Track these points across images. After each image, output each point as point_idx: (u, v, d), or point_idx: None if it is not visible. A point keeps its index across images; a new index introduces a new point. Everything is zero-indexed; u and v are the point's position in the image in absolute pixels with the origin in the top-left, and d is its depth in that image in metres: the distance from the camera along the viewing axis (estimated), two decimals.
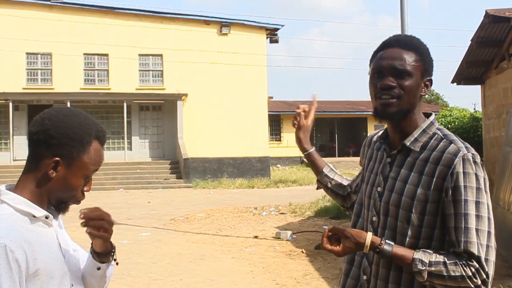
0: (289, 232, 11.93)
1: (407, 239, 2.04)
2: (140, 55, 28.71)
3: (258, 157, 29.09)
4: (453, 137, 2.10)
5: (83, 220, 1.84)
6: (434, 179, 2.01)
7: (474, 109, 39.35)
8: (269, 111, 30.61)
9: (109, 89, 28.41)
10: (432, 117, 2.19)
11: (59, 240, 1.88)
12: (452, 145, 2.04)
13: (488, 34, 12.16)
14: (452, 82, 14.51)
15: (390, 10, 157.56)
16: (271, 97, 38.03)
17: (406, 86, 2.08)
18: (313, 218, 14.47)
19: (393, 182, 2.12)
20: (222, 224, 14.01)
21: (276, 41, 31.02)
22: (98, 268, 1.99)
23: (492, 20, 11.33)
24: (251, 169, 28.93)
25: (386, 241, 2.01)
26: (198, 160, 27.91)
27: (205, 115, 28.53)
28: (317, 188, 2.75)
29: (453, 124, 14.92)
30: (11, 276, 1.65)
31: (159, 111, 29.70)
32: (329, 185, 2.62)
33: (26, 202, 1.79)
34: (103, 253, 1.96)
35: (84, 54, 28.24)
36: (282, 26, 30.33)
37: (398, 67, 2.08)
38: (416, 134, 2.12)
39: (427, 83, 2.14)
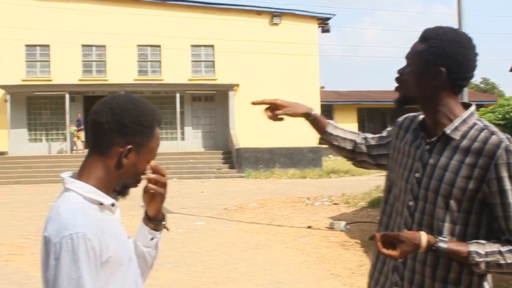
0: (343, 223, 11.86)
1: (445, 224, 2.11)
2: (192, 46, 28.95)
3: (310, 147, 28.99)
4: (494, 128, 2.15)
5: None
6: (476, 169, 2.07)
7: None
8: (320, 101, 30.43)
9: (162, 80, 28.75)
10: (472, 108, 2.24)
11: (121, 227, 1.92)
12: (494, 136, 2.09)
13: None
14: (511, 70, 14.16)
15: None
16: (323, 87, 37.82)
17: (406, 74, 2.23)
18: (367, 209, 14.35)
19: (432, 169, 2.17)
20: (275, 214, 14.03)
21: (328, 31, 30.81)
22: (152, 239, 2.06)
23: None
24: (303, 159, 28.87)
25: (440, 238, 2.05)
26: (250, 150, 28.00)
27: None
28: (319, 143, 2.80)
29: (511, 113, 14.50)
30: (89, 265, 1.67)
31: (211, 101, 29.89)
32: (334, 142, 2.68)
33: (94, 190, 1.81)
34: (157, 218, 2.05)
35: (138, 45, 28.64)
36: (334, 15, 30.30)
37: (405, 56, 2.25)
38: (456, 123, 2.17)
39: (438, 72, 2.16)
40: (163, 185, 1.98)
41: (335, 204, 15.54)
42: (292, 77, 28.79)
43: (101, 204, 1.82)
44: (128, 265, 1.86)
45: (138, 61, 28.99)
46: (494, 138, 2.07)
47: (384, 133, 2.62)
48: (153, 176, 1.93)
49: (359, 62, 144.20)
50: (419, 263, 2.16)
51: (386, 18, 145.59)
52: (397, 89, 2.29)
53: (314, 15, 29.93)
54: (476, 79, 68.67)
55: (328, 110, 39.33)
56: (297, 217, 13.39)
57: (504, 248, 2.01)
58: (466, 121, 2.17)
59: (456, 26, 11.87)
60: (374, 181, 20.32)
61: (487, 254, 2.00)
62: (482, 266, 2.00)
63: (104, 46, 28.50)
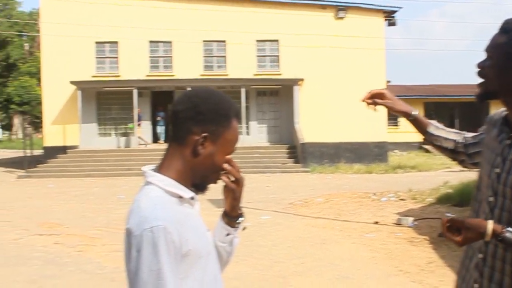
0: (411, 219, 11.69)
1: None
2: (257, 40, 29.04)
3: (375, 142, 28.68)
4: None
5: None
6: None
7: None
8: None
9: (227, 75, 28.97)
10: None
11: (200, 220, 1.94)
12: None
13: None
14: None
15: None
16: (389, 81, 37.28)
17: (487, 67, 2.15)
18: (435, 205, 14.08)
19: (511, 165, 2.11)
20: (341, 209, 13.95)
21: (394, 24, 30.32)
22: (227, 234, 2.08)
23: None
24: (368, 154, 28.58)
25: (508, 228, 2.00)
26: (315, 145, 27.91)
27: (322, 99, 28.46)
28: (423, 144, 2.78)
29: None
30: (169, 257, 1.70)
31: (276, 96, 29.92)
32: (436, 142, 2.63)
33: (174, 184, 1.84)
34: (232, 215, 2.06)
35: (203, 41, 28.95)
36: (400, 8, 29.68)
37: (485, 49, 2.16)
38: None
39: None
40: (238, 182, 1.98)
41: (402, 199, 15.32)
42: (358, 72, 28.50)
43: (180, 197, 1.84)
44: (207, 258, 1.88)
45: (204, 56, 29.30)
46: None
47: (479, 131, 2.55)
48: (228, 168, 1.93)
49: (426, 55, 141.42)
50: (499, 260, 2.10)
51: (455, 9, 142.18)
52: (479, 83, 2.22)
53: (380, 8, 29.51)
54: None
55: None
56: (364, 213, 13.28)
57: None
58: None
59: None
60: (442, 177, 19.96)
61: None
62: None
63: (170, 42, 28.93)
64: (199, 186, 1.93)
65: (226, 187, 2.00)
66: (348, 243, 9.95)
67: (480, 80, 2.20)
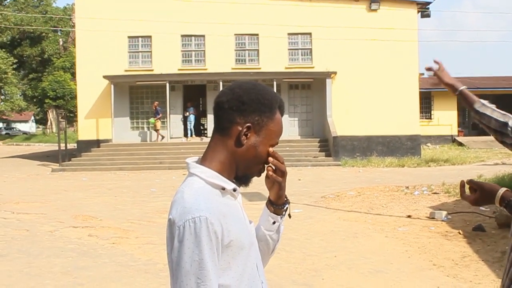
0: (444, 212, 11.57)
1: None
2: (289, 34, 28.96)
3: (408, 135, 28.42)
4: None
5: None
6: None
7: None
8: (419, 88, 29.70)
9: (259, 68, 28.96)
10: None
11: (243, 212, 1.95)
12: None
13: None
14: None
15: None
16: (422, 74, 36.84)
17: None
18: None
19: None
20: (373, 202, 13.87)
21: (428, 16, 29.95)
22: (274, 222, 2.08)
23: None
24: (401, 147, 28.34)
25: None
26: (346, 138, 27.78)
27: (354, 92, 28.28)
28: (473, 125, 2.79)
29: None
30: (211, 248, 1.71)
31: (308, 89, 29.82)
32: (482, 120, 2.64)
33: (216, 175, 1.85)
34: (278, 203, 2.06)
35: (235, 34, 28.97)
36: None
37: None
38: None
39: None
40: (282, 173, 1.97)
41: (435, 193, 15.16)
42: (390, 64, 28.26)
43: (223, 189, 1.85)
44: (250, 249, 1.89)
45: (236, 50, 29.33)
46: None
47: None
48: (271, 160, 1.93)
49: (459, 47, 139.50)
50: None
51: (489, 1, 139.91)
52: None
53: (414, 0, 29.19)
54: None
55: (427, 97, 38.40)
56: (396, 206, 13.18)
57: None
58: None
59: None
60: (476, 170, 19.71)
61: None
62: None
63: (203, 36, 29.02)
64: (242, 179, 1.94)
65: (268, 178, 1.99)
66: (380, 237, 9.89)
67: None
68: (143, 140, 29.50)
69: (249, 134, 1.86)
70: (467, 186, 2.26)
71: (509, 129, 2.55)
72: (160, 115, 28.45)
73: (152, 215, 12.55)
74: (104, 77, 27.93)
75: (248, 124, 1.85)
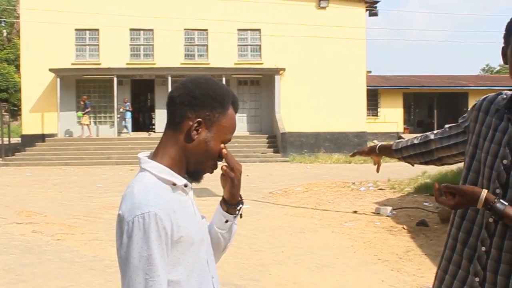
0: (389, 208, 11.80)
1: None
2: (239, 29, 29.01)
3: (355, 132, 28.85)
4: None
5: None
6: None
7: None
8: (367, 86, 30.16)
9: (208, 64, 28.91)
10: None
11: (194, 207, 1.95)
12: None
13: None
14: None
15: None
16: (369, 72, 37.42)
17: None
18: (413, 195, 14.22)
19: None
20: (321, 198, 14.03)
21: (376, 14, 30.48)
22: (226, 221, 2.08)
23: None
24: (348, 144, 28.74)
25: (501, 200, 1.99)
26: (295, 134, 28.01)
27: (303, 89, 28.51)
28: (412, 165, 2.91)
29: None
30: (160, 243, 1.71)
31: (257, 85, 29.93)
32: (409, 159, 2.75)
33: (167, 171, 1.85)
34: (231, 202, 2.05)
35: (185, 29, 28.84)
36: None
37: None
38: None
39: None
40: (234, 170, 1.98)
41: (380, 189, 15.46)
42: (339, 61, 28.60)
43: (174, 184, 1.85)
44: (200, 245, 1.89)
45: (185, 45, 29.21)
46: None
47: (461, 120, 2.48)
48: (224, 152, 1.93)
49: (406, 46, 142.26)
50: (506, 252, 2.07)
51: (435, 0, 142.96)
52: None
53: None
54: None
55: (374, 95, 38.97)
56: (343, 202, 13.37)
57: None
58: None
59: (511, 8, 11.46)
60: (420, 166, 19.99)
61: None
62: None
63: (151, 30, 28.78)
64: (193, 174, 1.93)
65: (223, 176, 2.00)
66: (327, 232, 10.02)
67: None
68: (93, 134, 29.03)
69: (200, 129, 1.86)
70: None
71: (432, 136, 2.60)
72: (89, 109, 27.94)
73: (98, 211, 12.39)
74: (50, 70, 27.40)
75: (199, 119, 1.85)
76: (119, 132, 28.72)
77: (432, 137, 2.60)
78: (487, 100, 2.33)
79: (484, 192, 2.00)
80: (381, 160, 3.04)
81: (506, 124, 2.17)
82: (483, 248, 2.13)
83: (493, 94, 2.33)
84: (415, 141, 2.68)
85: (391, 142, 2.81)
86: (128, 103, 28.71)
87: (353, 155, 3.16)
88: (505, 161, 2.11)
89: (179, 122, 1.87)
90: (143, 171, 1.87)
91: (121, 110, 28.76)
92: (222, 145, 1.93)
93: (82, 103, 27.97)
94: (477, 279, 2.16)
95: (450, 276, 2.27)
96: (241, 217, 2.12)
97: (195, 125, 1.85)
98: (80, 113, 28.07)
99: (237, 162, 1.99)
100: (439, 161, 2.64)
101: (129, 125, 29.01)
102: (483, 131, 2.25)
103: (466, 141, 2.40)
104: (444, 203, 2.07)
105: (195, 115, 1.86)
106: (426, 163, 2.70)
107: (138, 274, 1.70)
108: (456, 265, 2.25)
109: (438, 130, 2.60)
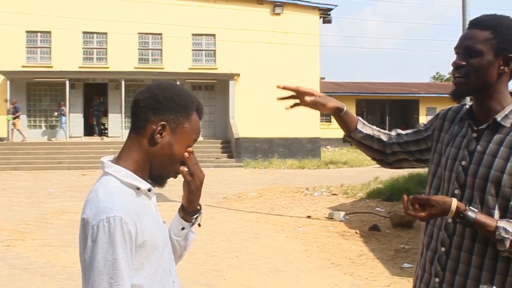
0: (342, 213, 11.94)
1: (495, 211, 2.08)
2: (193, 34, 28.93)
3: (309, 137, 29.07)
4: None
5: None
6: None
7: None
8: (320, 92, 30.37)
9: (163, 68, 28.75)
10: None
11: (157, 212, 1.95)
12: None
13: None
14: None
15: None
16: (323, 78, 37.82)
17: (474, 64, 2.15)
18: (365, 200, 14.42)
19: (481, 156, 2.15)
20: (274, 203, 14.10)
21: (329, 21, 30.80)
22: (182, 228, 2.08)
23: None
24: (301, 149, 28.94)
25: (471, 208, 2.05)
26: (249, 140, 28.06)
27: (257, 95, 28.60)
28: (343, 141, 2.68)
29: None
30: (125, 247, 1.71)
31: (211, 90, 29.90)
32: (363, 141, 2.57)
33: (131, 175, 1.85)
34: (188, 210, 2.05)
35: (139, 33, 28.62)
36: (336, 6, 30.13)
37: (467, 46, 2.16)
38: (507, 110, 2.16)
39: (508, 60, 2.15)
40: (194, 175, 1.99)
41: (333, 194, 15.62)
42: (293, 68, 28.79)
43: (138, 188, 1.85)
44: (163, 249, 1.90)
45: (139, 49, 28.98)
46: None
47: (421, 127, 2.54)
48: (186, 155, 1.94)
49: (358, 53, 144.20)
50: (465, 252, 2.13)
51: (387, 9, 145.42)
52: (459, 82, 2.21)
53: (316, 6, 29.91)
54: None
55: None
56: (296, 207, 13.46)
57: None
58: None
59: (459, 19, 11.76)
60: (372, 172, 20.38)
61: None
62: (507, 243, 1.98)
63: (105, 34, 28.45)
64: (157, 179, 1.93)
65: (184, 182, 2.00)
66: (281, 237, 10.07)
67: (461, 78, 2.19)
68: (44, 138, 28.52)
69: (164, 133, 1.87)
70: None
71: (390, 145, 2.57)
72: (19, 112, 27.30)
73: (49, 216, 12.17)
74: (0, 72, 26.81)
75: (163, 123, 1.86)
76: (71, 136, 28.23)
77: (392, 140, 2.57)
78: (452, 110, 2.43)
79: (455, 202, 2.05)
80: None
81: (466, 130, 2.26)
82: (443, 249, 2.19)
83: (458, 105, 2.43)
84: (375, 135, 2.58)
85: (357, 119, 2.57)
86: (63, 107, 27.97)
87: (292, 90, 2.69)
88: (463, 163, 2.19)
89: (142, 126, 1.88)
90: (107, 175, 1.86)
91: (56, 114, 28.16)
92: (189, 149, 1.94)
93: (11, 106, 27.19)
94: (437, 279, 2.21)
95: (420, 281, 2.32)
96: (199, 225, 2.12)
97: (159, 128, 1.86)
98: (10, 117, 27.20)
99: (199, 169, 2.00)
100: (389, 165, 2.62)
101: (64, 129, 28.26)
102: (447, 139, 2.34)
103: (427, 149, 2.47)
104: (415, 216, 2.09)
105: (159, 118, 1.86)
106: (377, 161, 2.65)
107: (103, 279, 1.70)
108: (422, 269, 2.31)
109: (398, 133, 2.59)
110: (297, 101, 2.67)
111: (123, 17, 27.70)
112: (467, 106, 2.35)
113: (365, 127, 2.58)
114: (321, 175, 21.81)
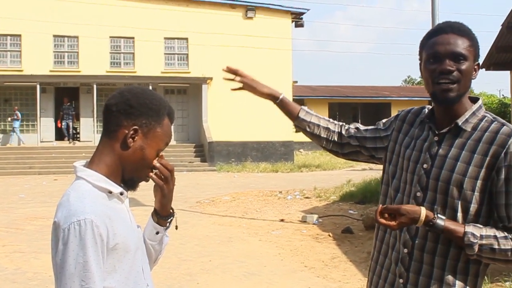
0: (315, 216, 12.00)
1: (458, 213, 2.13)
2: (166, 38, 28.81)
3: (282, 141, 29.13)
4: (503, 120, 2.21)
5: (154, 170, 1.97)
6: (487, 158, 2.11)
7: (503, 95, 38.79)
8: (293, 96, 30.56)
9: (135, 72, 28.58)
10: (480, 101, 2.28)
11: (130, 216, 1.96)
12: (505, 127, 2.15)
13: None
14: (481, 67, 14.37)
15: None
16: (296, 82, 37.96)
17: (464, 70, 2.17)
18: (338, 203, 14.50)
19: (443, 160, 2.20)
20: (248, 207, 14.11)
21: (302, 25, 30.92)
22: (157, 233, 2.10)
23: None
24: (275, 153, 28.99)
25: (439, 215, 2.10)
26: (222, 143, 28.03)
27: (230, 99, 28.45)
28: (296, 130, 2.78)
29: None
30: (96, 250, 1.72)
31: (184, 94, 29.81)
32: (308, 129, 2.67)
33: (103, 179, 1.86)
34: (162, 214, 2.07)
35: (110, 37, 28.41)
36: (308, 10, 30.37)
37: (456, 52, 2.17)
38: (467, 115, 2.21)
39: (475, 67, 2.23)
40: (166, 180, 1.99)
41: (307, 198, 15.68)
42: (265, 71, 28.68)
43: (110, 192, 1.86)
44: (135, 252, 1.91)
45: (111, 52, 28.76)
46: (505, 129, 2.13)
47: (380, 126, 2.60)
48: (155, 163, 1.95)
49: (331, 57, 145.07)
50: (427, 253, 2.19)
51: (358, 13, 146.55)
52: (450, 88, 2.18)
53: (288, 10, 29.99)
54: None
55: (300, 104, 39.37)
56: (270, 211, 13.48)
57: (500, 234, 2.05)
58: (475, 114, 2.21)
59: (429, 23, 11.92)
60: (345, 175, 20.54)
61: (482, 237, 2.04)
62: (475, 248, 2.04)
63: (76, 37, 28.19)
64: (129, 182, 1.95)
65: (156, 185, 2.01)
66: (254, 241, 10.09)
67: (449, 83, 2.18)
68: (14, 143, 28.13)
69: (136, 137, 1.89)
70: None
71: (346, 137, 2.63)
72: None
73: (20, 222, 12.02)
74: None
75: (135, 127, 1.88)
76: (42, 141, 27.90)
77: (350, 133, 2.63)
78: (412, 112, 2.48)
79: (424, 211, 2.10)
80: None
81: (427, 133, 2.31)
82: (405, 250, 2.24)
83: (418, 107, 2.49)
84: (322, 124, 2.66)
85: (298, 106, 2.70)
86: (17, 112, 27.52)
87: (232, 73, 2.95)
88: (425, 165, 2.24)
89: (115, 130, 1.89)
90: (79, 179, 1.87)
91: (9, 119, 27.71)
92: (161, 154, 1.96)
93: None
94: (401, 280, 2.26)
95: (383, 281, 2.36)
96: (176, 228, 2.15)
97: (131, 132, 1.88)
98: None
99: (170, 172, 2.00)
100: (344, 155, 2.68)
101: (17, 134, 27.82)
102: (406, 141, 2.38)
103: (382, 148, 2.53)
104: (386, 225, 2.14)
105: (131, 123, 1.88)
106: (330, 151, 2.72)
107: (74, 281, 1.70)
108: (386, 269, 2.34)
109: (357, 127, 2.64)
110: (241, 84, 2.96)
111: (94, 21, 27.48)
112: (427, 110, 2.41)
113: (309, 115, 2.67)
114: (294, 179, 21.88)
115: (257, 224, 11.68)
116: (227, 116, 28.50)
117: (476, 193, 2.12)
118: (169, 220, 2.10)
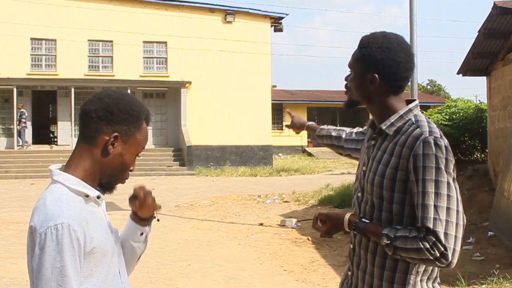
0: (294, 220, 12.02)
1: (383, 213, 2.24)
2: (145, 42, 28.71)
3: (260, 145, 29.15)
4: (424, 122, 2.24)
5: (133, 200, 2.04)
6: (400, 160, 2.19)
7: (480, 101, 39.09)
8: (272, 100, 30.62)
9: (113, 75, 28.43)
10: (411, 104, 2.34)
11: (107, 219, 1.96)
12: (418, 129, 2.20)
13: (496, 25, 12.14)
14: (458, 73, 14.49)
15: (395, 0, 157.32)
16: (275, 86, 38.04)
17: (350, 80, 2.41)
18: (317, 207, 14.55)
19: (372, 162, 2.32)
20: (227, 211, 14.11)
21: (281, 30, 30.99)
22: (141, 234, 2.12)
23: (500, 12, 11.33)
24: (253, 157, 29.01)
25: (362, 219, 2.25)
26: (201, 147, 27.98)
27: (209, 103, 28.58)
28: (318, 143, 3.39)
29: (457, 115, 14.96)
30: (73, 254, 1.72)
31: (162, 98, 29.72)
32: (324, 141, 3.20)
33: (80, 183, 1.85)
34: (144, 217, 2.11)
35: (89, 40, 28.22)
36: (287, 15, 30.43)
37: (348, 63, 2.41)
38: (393, 119, 2.29)
39: (372, 78, 2.29)
40: (142, 205, 2.07)
41: (285, 202, 15.71)
42: (244, 76, 28.87)
43: (86, 196, 1.86)
44: (112, 256, 1.91)
45: (89, 56, 28.57)
46: (417, 131, 2.18)
47: (365, 131, 2.83)
48: (139, 192, 2.04)
49: (310, 61, 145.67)
50: (363, 250, 2.30)
51: (337, 18, 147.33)
52: (346, 93, 2.46)
53: (267, 14, 30.05)
54: (423, 80, 70.20)
55: (279, 109, 39.61)
56: (249, 215, 13.50)
57: (411, 234, 2.10)
58: (402, 117, 2.27)
59: (407, 28, 12.03)
60: (324, 179, 20.62)
61: (395, 238, 2.11)
62: (391, 248, 2.13)
63: (54, 40, 27.95)
64: (106, 186, 1.95)
65: (132, 199, 2.05)
66: (234, 245, 10.09)
67: (346, 90, 2.45)
68: None
69: (116, 144, 1.89)
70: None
71: (354, 131, 3.01)
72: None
73: None
74: None
75: (116, 134, 1.88)
76: (19, 145, 27.60)
77: (343, 136, 3.06)
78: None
79: (347, 216, 2.29)
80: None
81: (369, 136, 2.47)
82: (351, 246, 2.40)
83: None
84: (333, 134, 3.12)
85: (319, 126, 3.26)
86: None
87: (290, 127, 3.48)
88: (364, 168, 2.38)
89: (94, 136, 1.89)
90: (55, 183, 1.86)
91: None
92: (137, 189, 2.03)
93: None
94: (349, 273, 2.42)
95: (345, 274, 2.53)
96: (158, 220, 2.17)
97: (112, 139, 1.87)
98: None
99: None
100: (349, 156, 3.07)
101: None
102: (365, 144, 2.53)
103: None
104: (318, 230, 2.36)
105: (112, 130, 1.88)
106: (340, 154, 3.16)
107: (51, 286, 1.69)
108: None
109: (350, 130, 3.07)
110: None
111: (72, 24, 27.27)
112: None
113: (323, 130, 3.20)
114: (273, 183, 21.90)
115: (236, 228, 11.67)
116: (206, 120, 28.46)
117: (397, 194, 2.20)
118: (154, 215, 2.14)
